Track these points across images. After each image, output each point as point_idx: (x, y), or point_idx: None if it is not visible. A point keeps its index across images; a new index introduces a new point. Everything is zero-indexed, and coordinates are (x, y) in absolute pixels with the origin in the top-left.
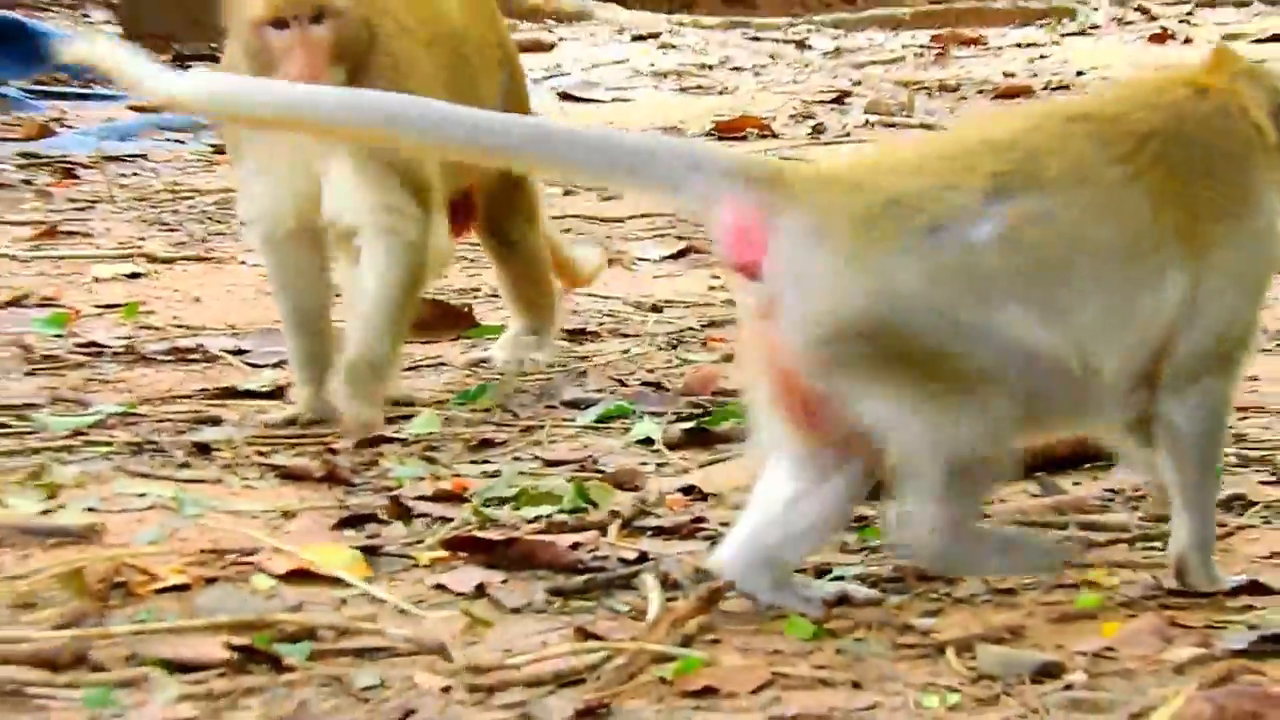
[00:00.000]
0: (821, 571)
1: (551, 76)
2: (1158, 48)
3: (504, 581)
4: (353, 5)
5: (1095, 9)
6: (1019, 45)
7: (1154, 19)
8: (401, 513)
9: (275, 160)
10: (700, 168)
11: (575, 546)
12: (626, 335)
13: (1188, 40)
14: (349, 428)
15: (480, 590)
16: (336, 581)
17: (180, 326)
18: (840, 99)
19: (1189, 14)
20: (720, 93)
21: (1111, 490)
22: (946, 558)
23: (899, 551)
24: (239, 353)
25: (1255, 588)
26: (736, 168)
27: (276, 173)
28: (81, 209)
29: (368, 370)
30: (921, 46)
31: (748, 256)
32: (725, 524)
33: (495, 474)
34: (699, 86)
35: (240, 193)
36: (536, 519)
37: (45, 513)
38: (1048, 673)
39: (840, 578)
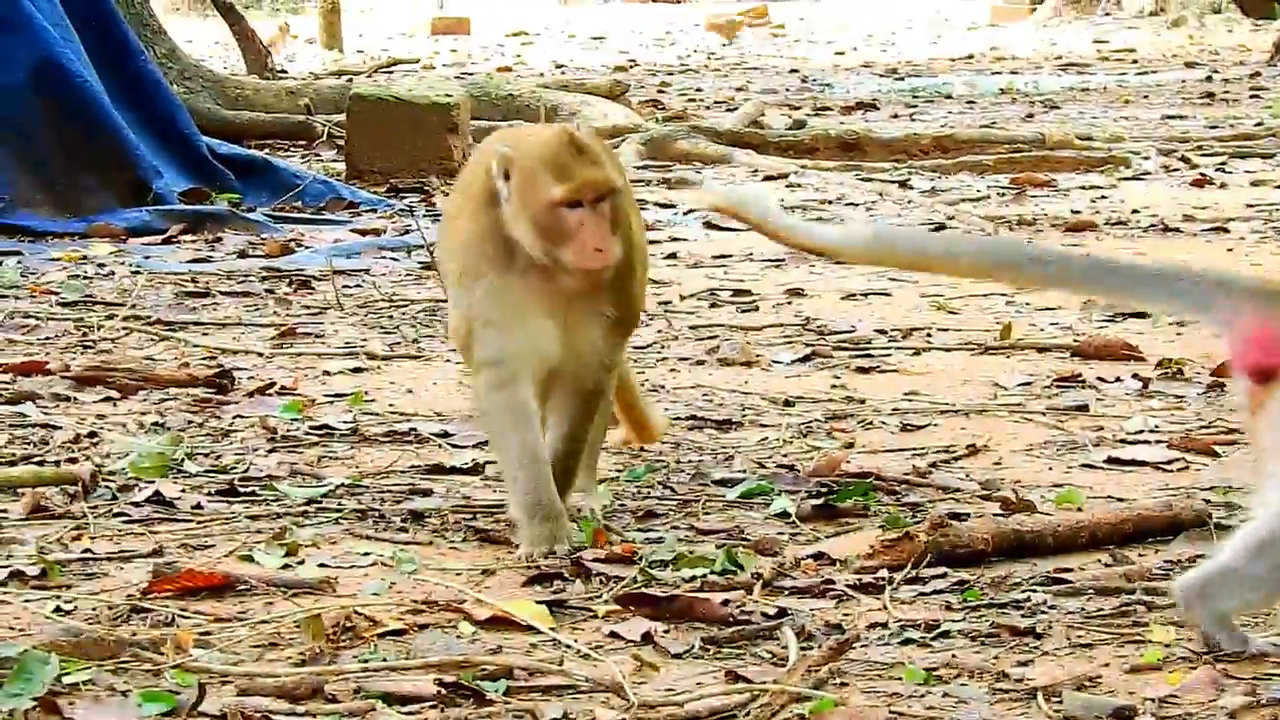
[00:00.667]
0: (930, 627)
1: (697, 211)
2: (1197, 190)
3: (666, 631)
4: (624, 184)
5: (1146, 158)
6: (1083, 188)
7: (1195, 167)
8: (581, 572)
9: (523, 314)
10: (1226, 291)
11: (725, 603)
12: (765, 425)
13: (1223, 185)
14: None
15: (647, 638)
16: (528, 629)
17: (396, 413)
18: (937, 230)
19: (1223, 164)
20: (838, 223)
21: (1170, 561)
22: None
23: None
24: (445, 435)
25: None
26: (1256, 289)
27: (524, 326)
28: (314, 314)
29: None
30: (1003, 188)
31: (1264, 362)
32: (850, 585)
33: (659, 540)
34: (819, 218)
35: (478, 337)
36: (693, 579)
37: (286, 567)
38: (1122, 716)
39: (946, 633)
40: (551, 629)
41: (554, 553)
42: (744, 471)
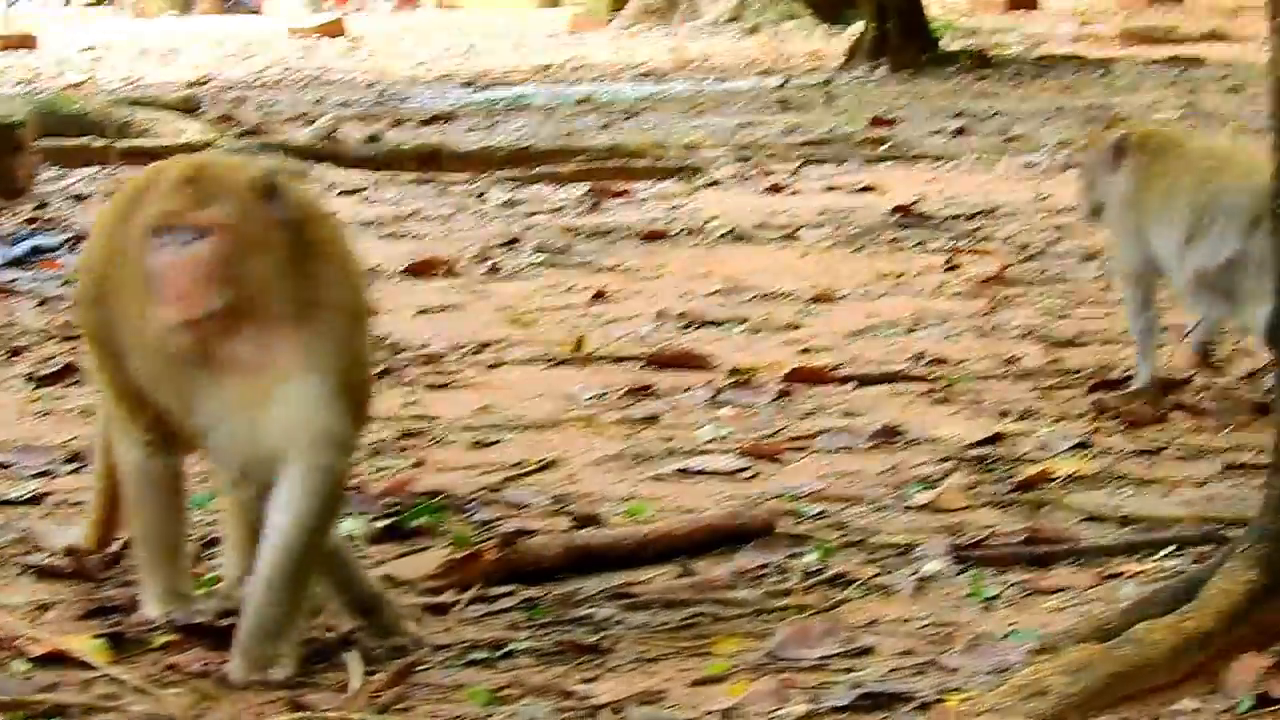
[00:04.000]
0: (496, 646)
1: None
2: (771, 197)
3: (225, 662)
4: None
5: (721, 166)
6: (659, 197)
7: (769, 174)
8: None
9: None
10: None
11: None
12: None
13: (795, 191)
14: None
15: (207, 670)
16: (85, 665)
17: None
18: (512, 242)
19: (796, 170)
20: (412, 238)
21: (738, 571)
22: None
23: None
24: (3, 466)
25: (860, 651)
26: None
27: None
28: None
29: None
30: (580, 198)
31: None
32: (418, 606)
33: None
34: (394, 234)
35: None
36: None
37: None
38: None
39: (512, 653)
40: (109, 664)
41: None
42: None
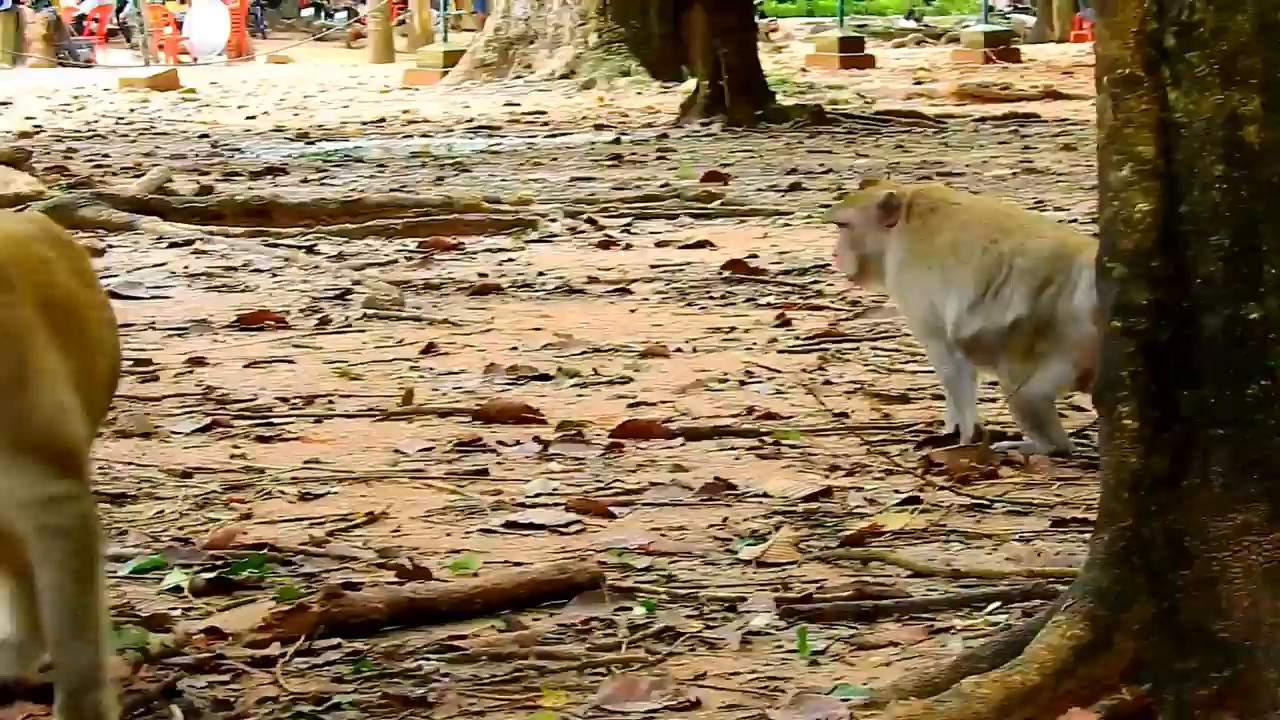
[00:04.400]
0: (320, 700)
1: (102, 277)
2: (603, 251)
3: (38, 716)
4: None
5: (554, 220)
6: (490, 250)
7: (601, 229)
8: None
9: None
10: None
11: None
12: (161, 498)
13: (628, 246)
14: None
15: None
16: None
17: None
18: (343, 295)
19: (629, 225)
20: (243, 290)
21: (564, 624)
22: None
23: None
24: None
25: (688, 705)
26: None
27: None
28: None
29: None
30: (411, 252)
31: None
32: (243, 659)
33: None
34: (225, 286)
35: None
36: None
37: None
38: None
39: (337, 705)
40: None
41: None
42: (138, 546)
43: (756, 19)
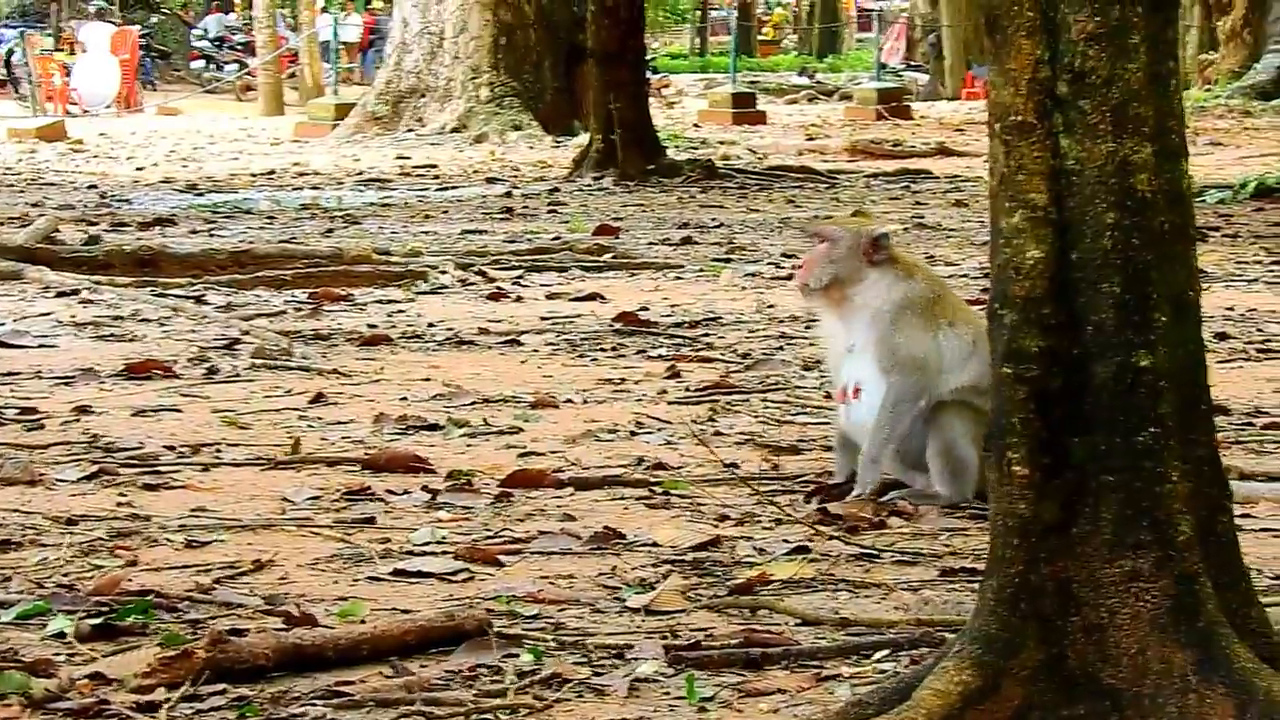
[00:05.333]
0: None
1: None
2: (494, 303)
3: None
4: None
5: (444, 272)
6: (380, 301)
7: (492, 281)
8: None
9: None
10: None
11: None
12: (46, 545)
13: (519, 299)
14: None
15: None
16: None
17: None
18: (231, 345)
19: (520, 277)
20: (130, 340)
21: (451, 670)
22: None
23: None
24: None
25: None
26: None
27: None
28: None
29: None
30: (300, 303)
31: None
32: (128, 705)
33: None
34: (112, 335)
35: None
36: None
37: None
38: None
39: None
40: None
41: None
42: (22, 592)
43: (649, 74)
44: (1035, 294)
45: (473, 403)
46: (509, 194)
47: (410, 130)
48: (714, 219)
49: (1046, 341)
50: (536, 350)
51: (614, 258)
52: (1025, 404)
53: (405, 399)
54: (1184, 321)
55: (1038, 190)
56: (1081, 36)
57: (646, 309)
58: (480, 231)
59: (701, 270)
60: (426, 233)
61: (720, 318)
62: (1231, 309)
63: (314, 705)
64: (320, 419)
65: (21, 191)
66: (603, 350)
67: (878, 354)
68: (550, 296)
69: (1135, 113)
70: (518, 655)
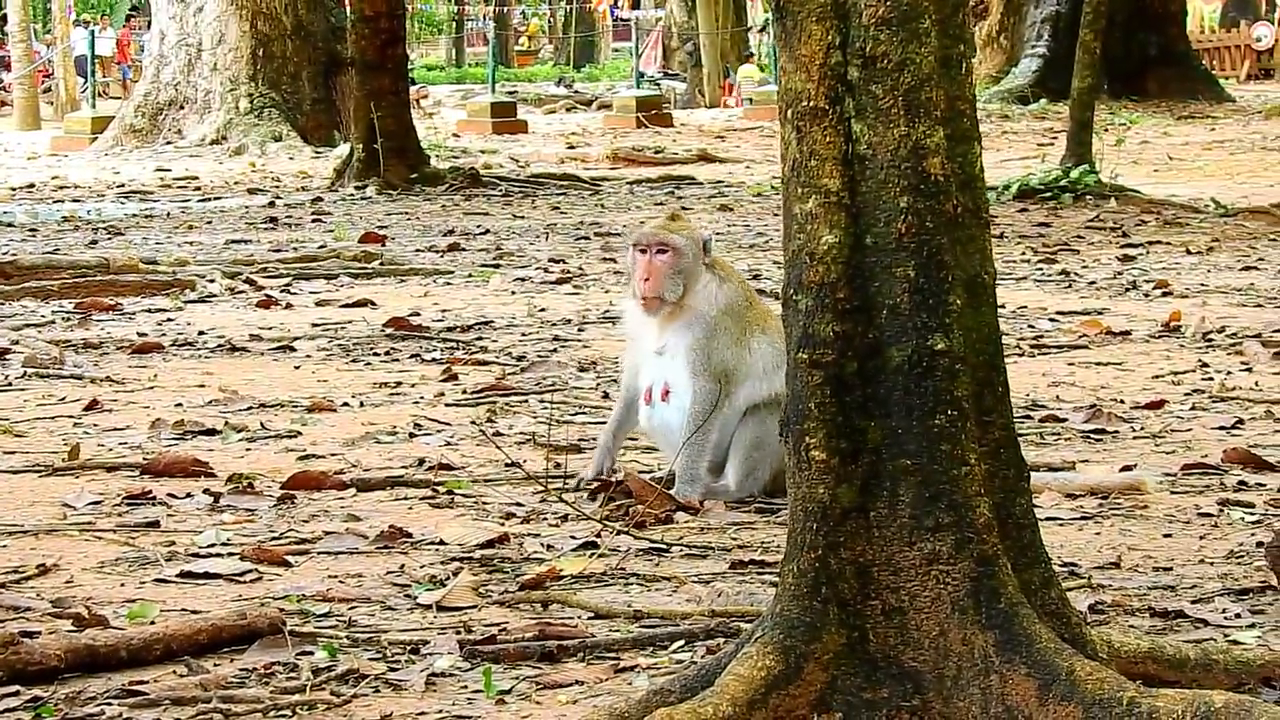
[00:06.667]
0: None
1: None
2: (264, 311)
3: None
4: None
5: (212, 280)
6: (149, 311)
7: (260, 289)
8: None
9: None
10: None
11: None
12: None
13: (289, 306)
14: None
15: None
16: None
17: None
18: (1, 355)
19: (288, 285)
20: None
21: (246, 668)
22: None
23: None
24: None
25: None
26: None
27: None
28: None
29: None
30: (68, 313)
31: None
32: None
33: None
34: None
35: None
36: None
37: None
38: None
39: None
40: None
41: None
42: None
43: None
44: (829, 279)
45: (249, 408)
46: (272, 204)
47: (169, 143)
48: (480, 226)
49: (841, 326)
50: (310, 356)
51: (382, 264)
52: (821, 389)
53: (181, 405)
54: (979, 304)
55: (830, 175)
56: (872, 21)
57: (418, 314)
58: (245, 241)
59: (470, 276)
60: (191, 243)
61: (492, 322)
62: (1003, 306)
63: (110, 705)
64: (96, 426)
65: None
66: (376, 355)
67: (691, 358)
68: (320, 303)
69: (927, 97)
70: (312, 652)
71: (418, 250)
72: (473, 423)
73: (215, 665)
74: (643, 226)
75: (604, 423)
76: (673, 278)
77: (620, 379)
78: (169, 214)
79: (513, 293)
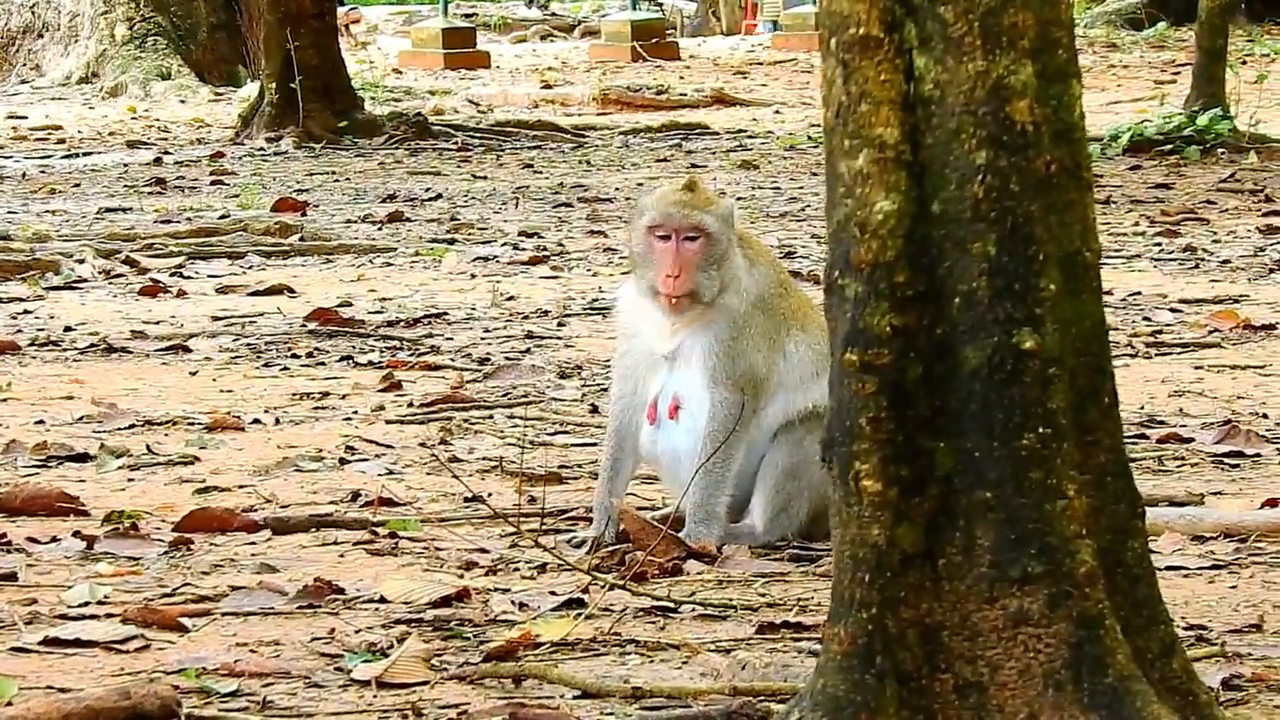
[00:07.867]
0: None
1: None
2: (149, 300)
3: None
4: None
5: (82, 261)
6: (3, 301)
7: (145, 271)
8: None
9: None
10: None
11: None
12: None
13: (182, 293)
14: None
15: None
16: None
17: None
18: None
19: (180, 267)
20: None
21: None
22: None
23: None
24: None
25: None
26: None
27: None
28: None
29: None
30: None
31: None
32: None
33: None
34: None
35: None
36: None
37: None
38: None
39: None
40: None
41: None
42: None
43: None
44: (886, 258)
45: (131, 425)
46: (159, 161)
47: (25, 81)
48: (430, 189)
49: (901, 319)
50: (210, 358)
51: (302, 240)
52: (875, 400)
53: (43, 422)
54: (1079, 290)
55: (886, 124)
56: None
57: (349, 304)
58: (125, 210)
59: (418, 254)
60: (54, 212)
61: (446, 314)
62: (1110, 293)
63: None
64: None
65: None
66: (296, 357)
67: (711, 363)
68: (222, 290)
69: (1011, 21)
70: None
71: (349, 221)
72: (422, 444)
73: None
74: (659, 201)
75: (592, 445)
76: (707, 270)
77: (610, 392)
78: (24, 174)
79: (472, 276)
